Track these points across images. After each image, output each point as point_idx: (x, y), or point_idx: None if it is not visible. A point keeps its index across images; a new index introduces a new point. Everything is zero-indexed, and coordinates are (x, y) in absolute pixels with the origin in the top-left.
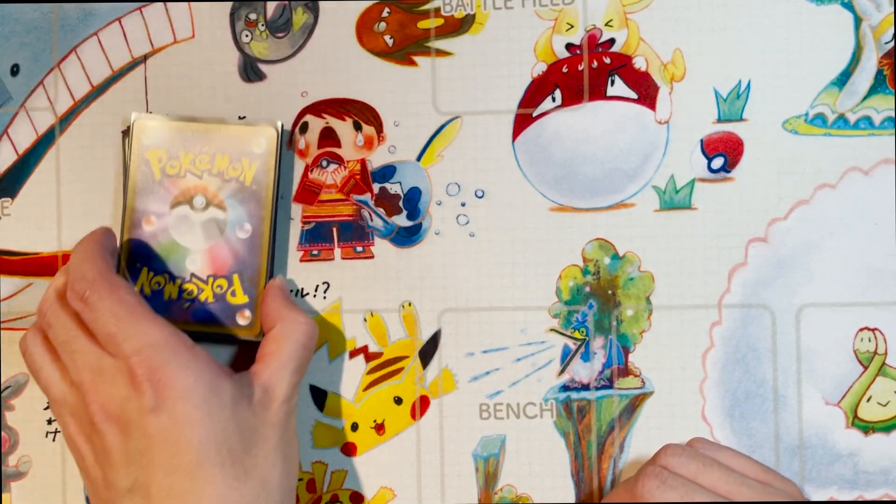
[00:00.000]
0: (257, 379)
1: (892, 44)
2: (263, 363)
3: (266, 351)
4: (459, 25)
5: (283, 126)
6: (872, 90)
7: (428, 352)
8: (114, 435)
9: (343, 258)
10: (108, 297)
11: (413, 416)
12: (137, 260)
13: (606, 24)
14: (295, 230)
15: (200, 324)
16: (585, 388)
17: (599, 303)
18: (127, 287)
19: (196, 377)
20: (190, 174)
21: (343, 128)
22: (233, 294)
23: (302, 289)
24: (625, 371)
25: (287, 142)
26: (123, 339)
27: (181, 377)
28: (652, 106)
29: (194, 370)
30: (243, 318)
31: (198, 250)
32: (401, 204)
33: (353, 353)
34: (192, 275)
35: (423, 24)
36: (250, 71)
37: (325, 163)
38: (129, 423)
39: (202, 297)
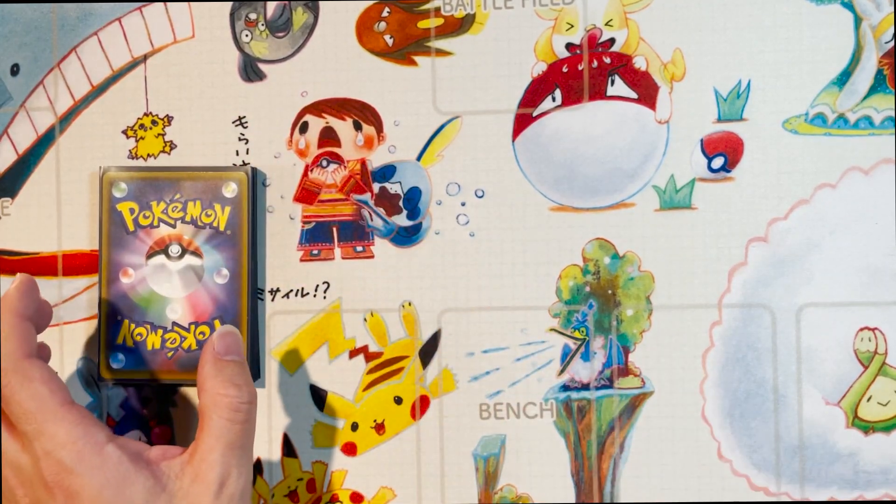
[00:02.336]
0: (189, 465)
1: (892, 43)
2: (194, 443)
3: (199, 427)
4: (459, 25)
5: (253, 170)
6: (872, 90)
7: (428, 352)
8: None
9: (343, 258)
10: (19, 392)
11: (413, 415)
12: (118, 313)
13: (606, 24)
14: (295, 230)
15: (185, 372)
16: (585, 387)
17: (599, 302)
18: (41, 375)
19: (102, 484)
20: (163, 223)
21: (343, 127)
22: None
23: (302, 288)
24: (625, 371)
25: (261, 182)
26: (34, 439)
27: (87, 485)
28: (652, 106)
29: (100, 476)
30: None
31: (177, 299)
32: (401, 204)
33: (353, 353)
34: (174, 323)
35: (423, 24)
36: (250, 71)
37: (325, 162)
38: None
39: (185, 346)
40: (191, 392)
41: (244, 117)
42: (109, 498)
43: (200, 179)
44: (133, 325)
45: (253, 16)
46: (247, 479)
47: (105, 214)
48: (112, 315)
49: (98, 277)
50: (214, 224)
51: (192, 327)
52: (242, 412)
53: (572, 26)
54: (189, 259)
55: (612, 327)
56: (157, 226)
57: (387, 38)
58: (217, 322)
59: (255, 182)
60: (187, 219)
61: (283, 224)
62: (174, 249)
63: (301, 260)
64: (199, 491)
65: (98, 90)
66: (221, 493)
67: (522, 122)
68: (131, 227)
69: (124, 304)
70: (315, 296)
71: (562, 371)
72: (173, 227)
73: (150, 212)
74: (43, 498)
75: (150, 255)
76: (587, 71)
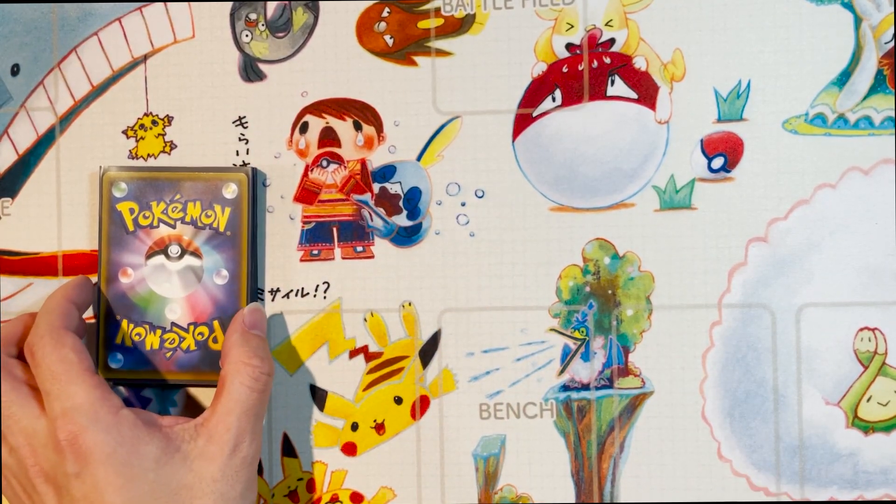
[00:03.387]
0: (203, 427)
1: (892, 44)
2: (210, 408)
3: (216, 394)
4: (459, 25)
5: (254, 170)
6: (872, 90)
7: (428, 352)
8: (50, 497)
9: (343, 258)
10: (50, 354)
11: (413, 415)
12: (117, 312)
13: (606, 24)
14: (295, 230)
15: (184, 372)
16: (585, 387)
17: (599, 303)
18: (72, 344)
19: (117, 441)
20: (163, 224)
21: (343, 128)
22: (214, 341)
23: (302, 288)
24: (625, 371)
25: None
26: (54, 399)
27: (100, 442)
28: (652, 106)
29: (115, 434)
30: None
31: (176, 299)
32: (401, 204)
33: (353, 353)
34: (173, 324)
35: (423, 24)
36: (250, 71)
37: (325, 163)
38: (60, 486)
39: (184, 346)
40: (190, 392)
41: (244, 117)
42: (123, 456)
43: (200, 180)
44: (132, 325)
45: (253, 16)
46: (257, 448)
47: (105, 214)
48: (111, 315)
49: (97, 277)
50: (214, 225)
51: (191, 328)
52: (262, 382)
53: (572, 26)
54: (188, 259)
55: (612, 327)
56: (157, 226)
57: (387, 38)
58: (216, 323)
59: (256, 182)
60: (187, 219)
61: (283, 224)
62: (174, 250)
63: (301, 260)
64: (214, 451)
65: (98, 90)
66: (235, 455)
67: (522, 122)
68: (131, 227)
69: (123, 303)
70: (315, 296)
71: (562, 371)
72: (173, 227)
73: (150, 212)
74: (54, 461)
75: (149, 256)
76: (587, 71)
